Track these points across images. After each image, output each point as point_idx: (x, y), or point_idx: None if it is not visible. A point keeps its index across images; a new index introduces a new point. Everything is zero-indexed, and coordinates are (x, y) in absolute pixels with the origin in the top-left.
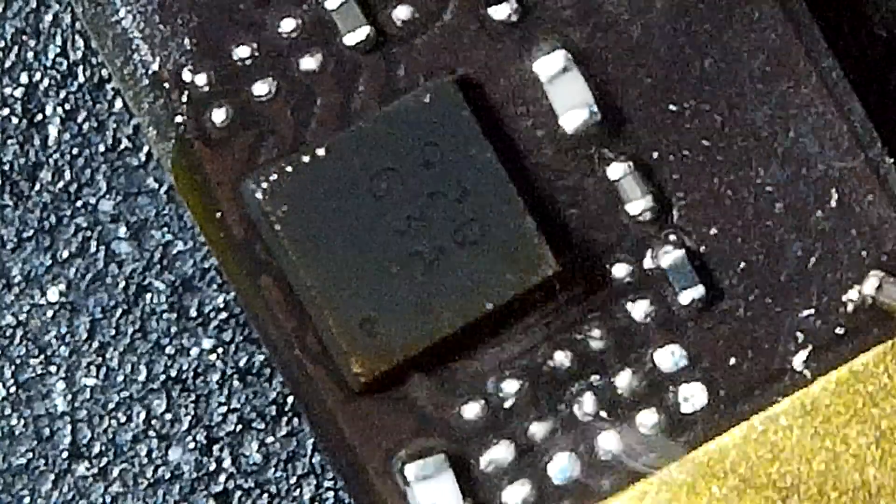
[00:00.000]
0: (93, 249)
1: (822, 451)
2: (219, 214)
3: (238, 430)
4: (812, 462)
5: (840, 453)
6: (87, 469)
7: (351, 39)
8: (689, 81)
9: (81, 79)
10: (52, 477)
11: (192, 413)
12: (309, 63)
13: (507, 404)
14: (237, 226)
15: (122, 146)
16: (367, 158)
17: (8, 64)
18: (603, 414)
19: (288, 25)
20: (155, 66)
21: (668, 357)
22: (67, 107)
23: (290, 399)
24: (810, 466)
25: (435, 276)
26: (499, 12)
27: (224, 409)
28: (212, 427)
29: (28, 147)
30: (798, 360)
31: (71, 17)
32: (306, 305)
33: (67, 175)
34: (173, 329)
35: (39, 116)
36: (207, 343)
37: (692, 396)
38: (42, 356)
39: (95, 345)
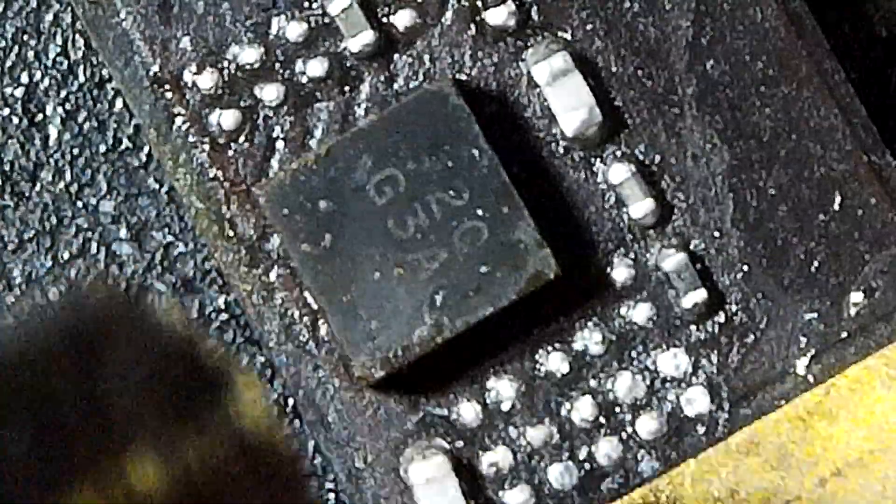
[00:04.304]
0: (94, 250)
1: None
2: (229, 215)
3: None
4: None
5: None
6: None
7: (354, 44)
8: (691, 84)
9: (82, 78)
10: None
11: None
12: (314, 68)
13: (505, 407)
14: (247, 226)
15: (122, 146)
16: (367, 161)
17: (8, 63)
18: (602, 420)
19: (292, 30)
20: (155, 68)
21: (670, 361)
22: (68, 107)
23: (291, 400)
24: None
25: (436, 278)
26: (497, 16)
27: None
28: None
29: (29, 147)
30: (801, 364)
31: (72, 17)
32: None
33: (68, 175)
34: None
35: (40, 116)
36: (209, 344)
37: (694, 400)
38: None
39: None
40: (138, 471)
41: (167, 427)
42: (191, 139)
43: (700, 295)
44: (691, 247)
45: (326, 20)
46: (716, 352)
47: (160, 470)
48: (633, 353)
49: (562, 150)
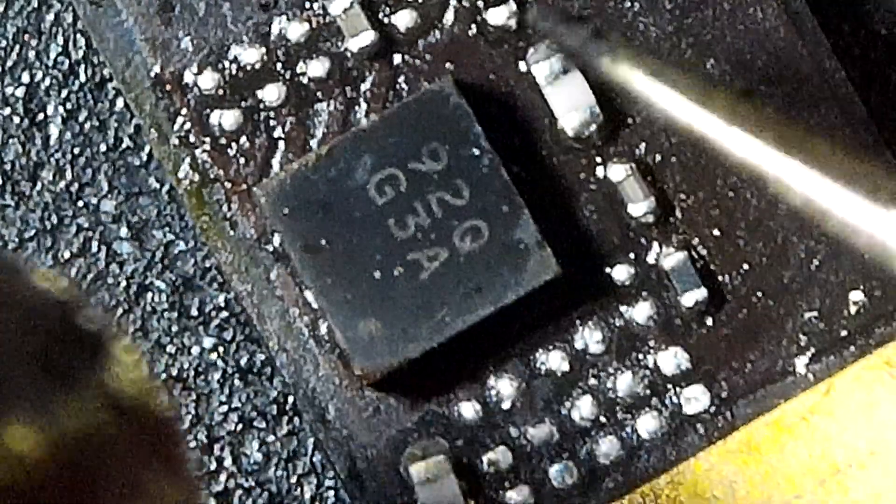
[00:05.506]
0: (94, 249)
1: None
2: (229, 215)
3: (239, 429)
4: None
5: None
6: None
7: (355, 45)
8: (691, 84)
9: (83, 78)
10: None
11: (193, 412)
12: (315, 68)
13: (505, 407)
14: (247, 226)
15: (123, 146)
16: (368, 161)
17: (9, 63)
18: (602, 419)
19: (293, 31)
20: (157, 69)
21: (671, 360)
22: (69, 106)
23: (290, 398)
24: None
25: (436, 278)
26: (497, 16)
27: (225, 408)
28: (212, 426)
29: (29, 147)
30: (801, 363)
31: (73, 17)
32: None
33: (69, 175)
34: (174, 328)
35: (41, 116)
36: (208, 342)
37: (694, 399)
38: None
39: None
40: (13, 434)
41: (43, 391)
42: (191, 139)
43: (700, 293)
44: (691, 246)
45: (327, 20)
46: (716, 351)
47: (35, 434)
48: (634, 352)
49: (562, 150)
